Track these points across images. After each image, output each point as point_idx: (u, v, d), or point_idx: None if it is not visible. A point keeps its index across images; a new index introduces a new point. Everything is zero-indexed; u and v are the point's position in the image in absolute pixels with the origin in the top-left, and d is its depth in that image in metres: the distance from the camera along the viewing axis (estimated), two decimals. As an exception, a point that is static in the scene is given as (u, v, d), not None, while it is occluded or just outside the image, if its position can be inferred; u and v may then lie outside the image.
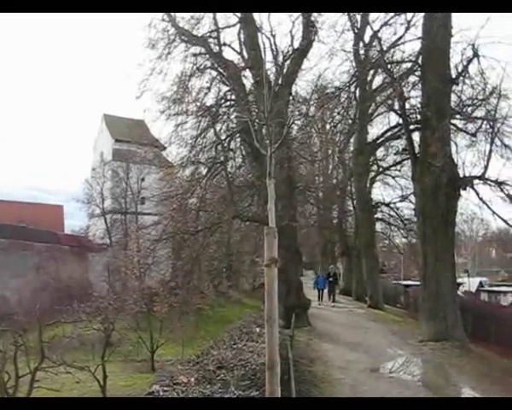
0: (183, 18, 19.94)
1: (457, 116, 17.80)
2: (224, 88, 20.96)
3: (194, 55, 20.52)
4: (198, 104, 19.64)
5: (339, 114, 29.00)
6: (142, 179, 38.67)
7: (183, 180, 20.47)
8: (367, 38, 24.67)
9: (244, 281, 40.69)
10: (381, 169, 31.38)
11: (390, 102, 22.96)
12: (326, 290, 28.21)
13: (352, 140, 31.54)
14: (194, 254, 18.93)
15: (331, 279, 28.28)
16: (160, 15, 19.70)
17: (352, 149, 32.04)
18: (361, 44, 24.68)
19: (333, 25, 20.91)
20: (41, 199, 64.11)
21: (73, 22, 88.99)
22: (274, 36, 19.89)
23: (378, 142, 28.76)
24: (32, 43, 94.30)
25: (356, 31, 23.71)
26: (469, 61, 16.10)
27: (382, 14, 21.00)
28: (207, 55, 20.55)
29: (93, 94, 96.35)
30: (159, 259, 24.15)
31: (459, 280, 51.67)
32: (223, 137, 20.22)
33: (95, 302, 19.90)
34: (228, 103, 21.04)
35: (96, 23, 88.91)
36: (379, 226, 33.55)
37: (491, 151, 15.40)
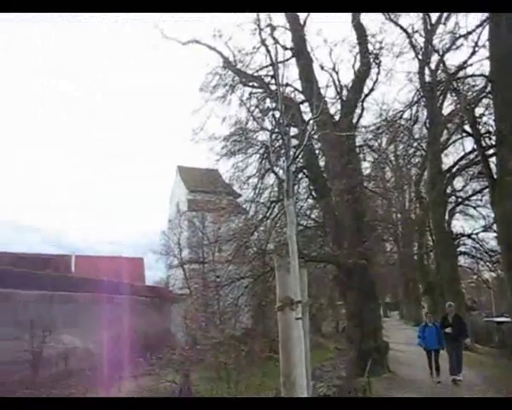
0: (241, 61, 19.94)
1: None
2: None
3: (251, 94, 20.43)
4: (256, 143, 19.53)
5: (412, 146, 27.70)
6: (219, 228, 38.80)
7: (242, 222, 20.37)
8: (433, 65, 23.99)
9: (325, 324, 39.33)
10: (460, 199, 29.42)
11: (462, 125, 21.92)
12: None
13: (426, 172, 30.03)
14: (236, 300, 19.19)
15: (449, 331, 14.95)
16: (218, 62, 20.19)
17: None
18: (427, 71, 23.97)
19: (390, 47, 19.92)
20: (117, 252, 66.25)
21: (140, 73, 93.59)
22: (337, 72, 19.41)
23: (453, 170, 27.06)
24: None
25: (420, 57, 22.97)
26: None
27: (447, 39, 20.46)
28: (265, 94, 20.32)
29: (165, 147, 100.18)
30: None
31: None
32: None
33: (167, 354, 19.67)
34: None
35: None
36: (464, 261, 31.27)
37: None
